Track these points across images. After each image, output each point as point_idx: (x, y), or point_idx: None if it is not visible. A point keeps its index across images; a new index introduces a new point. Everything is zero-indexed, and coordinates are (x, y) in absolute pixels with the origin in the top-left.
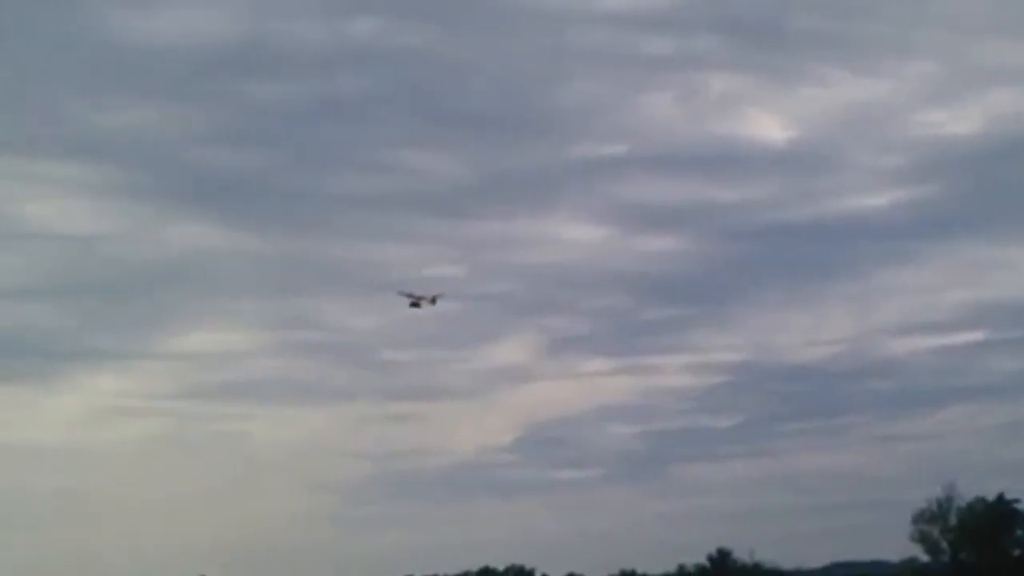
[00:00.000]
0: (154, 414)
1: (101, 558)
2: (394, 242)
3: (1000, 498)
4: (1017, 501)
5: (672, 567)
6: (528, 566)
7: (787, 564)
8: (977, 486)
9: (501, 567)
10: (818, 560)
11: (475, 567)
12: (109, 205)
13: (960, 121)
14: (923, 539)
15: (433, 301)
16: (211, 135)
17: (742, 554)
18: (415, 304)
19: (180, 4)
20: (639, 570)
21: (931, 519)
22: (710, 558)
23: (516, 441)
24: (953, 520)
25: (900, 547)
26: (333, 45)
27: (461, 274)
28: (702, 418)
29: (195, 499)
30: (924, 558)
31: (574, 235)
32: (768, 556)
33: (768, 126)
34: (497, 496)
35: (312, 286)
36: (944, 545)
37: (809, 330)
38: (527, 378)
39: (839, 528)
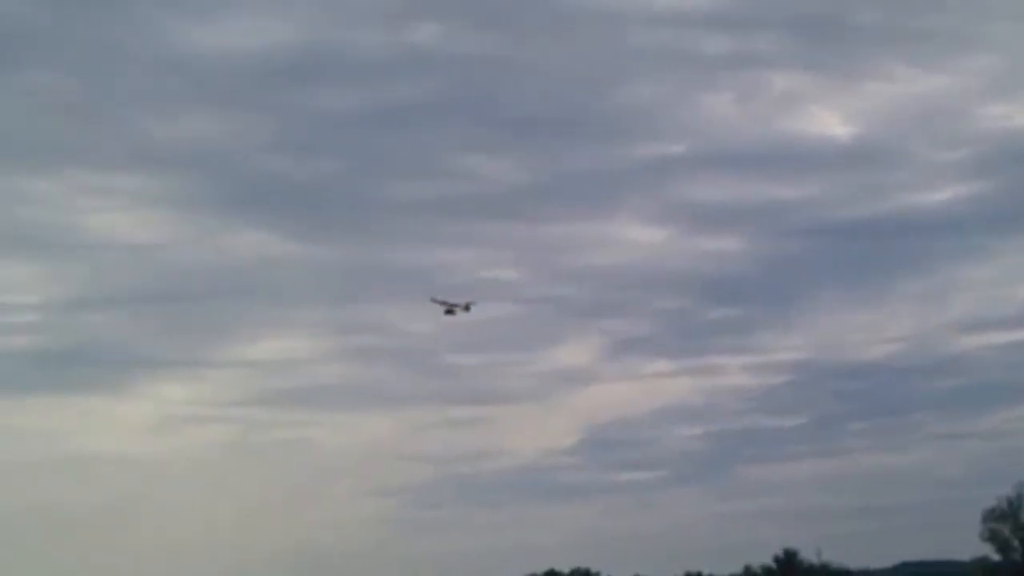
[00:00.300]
0: (221, 421)
1: (170, 563)
2: (455, 247)
3: None
4: None
5: (738, 568)
6: (593, 569)
7: (854, 564)
8: None
9: (566, 570)
10: (886, 560)
11: (540, 570)
12: (173, 215)
13: None
14: (994, 537)
15: (467, 308)
16: (273, 144)
17: (808, 555)
18: (450, 311)
19: (241, 14)
20: (704, 572)
21: (1001, 517)
22: (776, 559)
23: (578, 443)
24: None
25: (971, 546)
26: (393, 52)
27: (522, 277)
28: (765, 418)
29: (261, 504)
30: (995, 557)
31: (634, 236)
32: (835, 556)
33: (830, 123)
34: (560, 499)
35: (374, 292)
36: (1015, 543)
37: (873, 328)
38: (588, 380)
39: (908, 528)
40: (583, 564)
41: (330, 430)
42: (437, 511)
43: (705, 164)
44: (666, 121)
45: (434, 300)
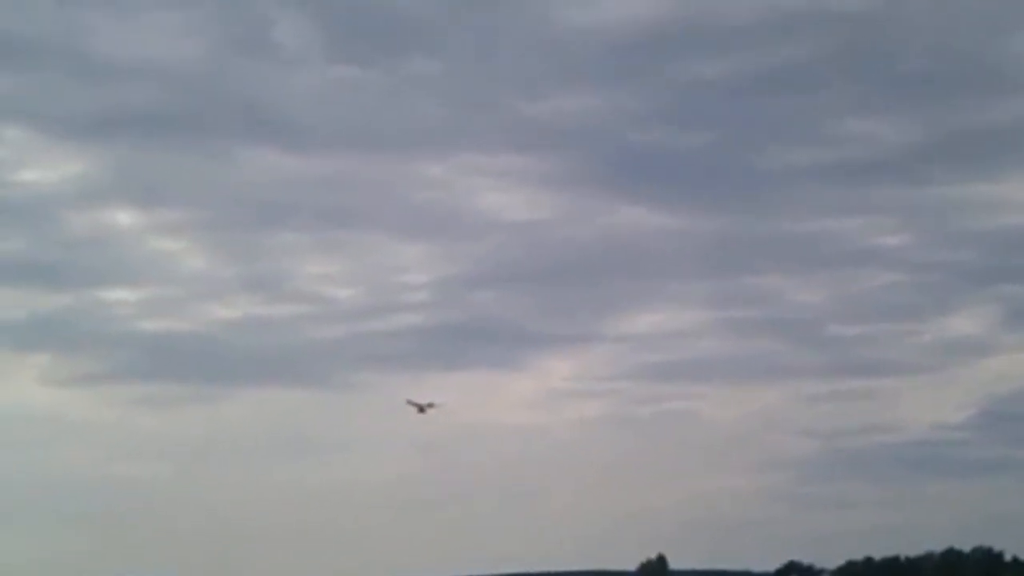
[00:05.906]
0: (605, 395)
1: (555, 527)
2: (840, 214)
3: None
4: None
5: None
6: (995, 548)
7: None
8: None
9: (967, 549)
10: None
11: (937, 548)
12: (554, 193)
13: None
14: None
15: (431, 405)
16: (650, 117)
17: None
18: (421, 410)
19: None
20: None
21: None
22: None
23: (976, 417)
24: None
25: None
26: (764, 16)
27: (910, 243)
28: None
29: (647, 474)
30: None
31: None
32: None
33: None
34: (956, 475)
35: (757, 263)
36: None
37: None
38: (984, 351)
39: None
40: (985, 543)
41: (715, 403)
42: (825, 485)
43: None
44: None
45: (409, 402)
